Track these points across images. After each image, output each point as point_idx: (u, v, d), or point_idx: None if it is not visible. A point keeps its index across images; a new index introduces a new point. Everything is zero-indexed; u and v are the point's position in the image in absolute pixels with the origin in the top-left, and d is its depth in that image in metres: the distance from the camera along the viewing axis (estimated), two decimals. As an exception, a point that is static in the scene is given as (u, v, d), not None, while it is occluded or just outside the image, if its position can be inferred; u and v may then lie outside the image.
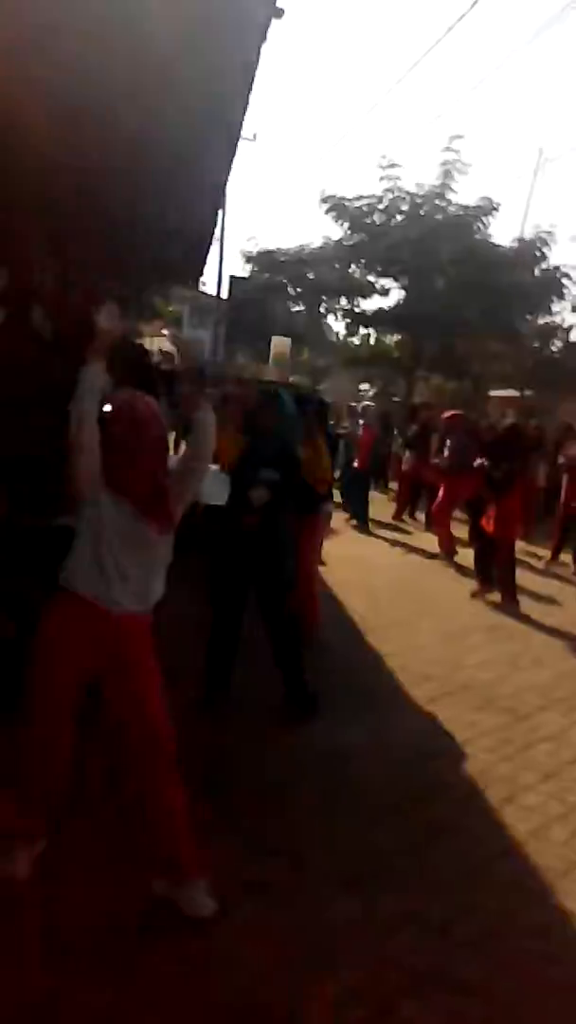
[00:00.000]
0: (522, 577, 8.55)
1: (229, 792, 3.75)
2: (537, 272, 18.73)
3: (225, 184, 7.99)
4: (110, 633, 2.81)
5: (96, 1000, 2.47)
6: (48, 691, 2.82)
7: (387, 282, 19.02)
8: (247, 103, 5.01)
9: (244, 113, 5.31)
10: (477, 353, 19.36)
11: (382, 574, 8.82)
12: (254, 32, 3.80)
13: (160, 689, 2.89)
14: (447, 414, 10.40)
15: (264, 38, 3.87)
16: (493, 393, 21.96)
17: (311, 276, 22.98)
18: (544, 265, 18.81)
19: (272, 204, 69.55)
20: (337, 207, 17.71)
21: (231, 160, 6.74)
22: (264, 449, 4.47)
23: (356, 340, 27.49)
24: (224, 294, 26.14)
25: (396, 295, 19.04)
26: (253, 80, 4.45)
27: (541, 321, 21.15)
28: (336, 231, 18.86)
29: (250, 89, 4.65)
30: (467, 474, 9.22)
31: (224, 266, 25.87)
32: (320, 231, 37.31)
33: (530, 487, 9.00)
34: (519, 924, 3.04)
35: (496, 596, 7.82)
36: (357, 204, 17.65)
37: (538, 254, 18.30)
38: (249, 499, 4.43)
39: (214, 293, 24.71)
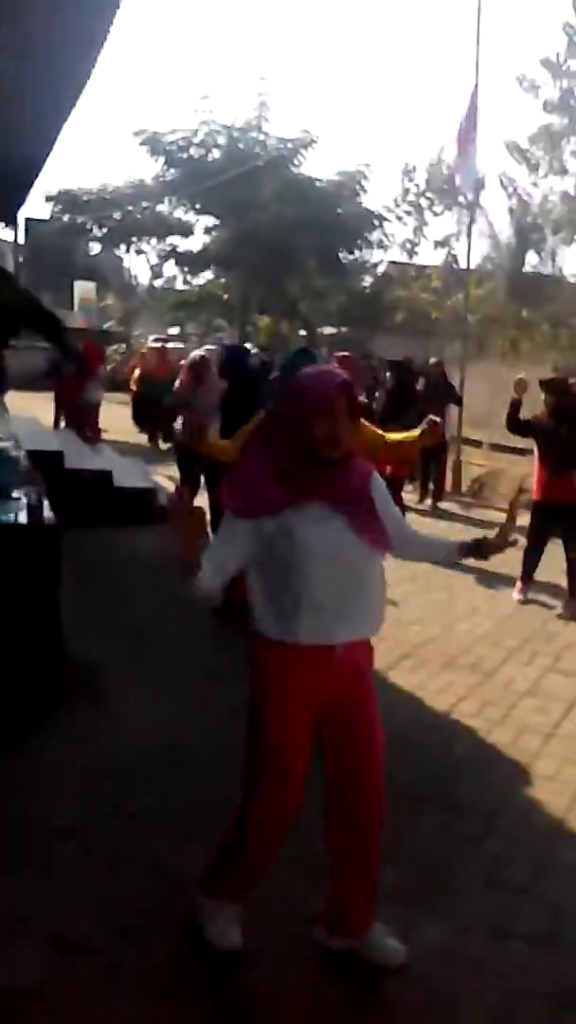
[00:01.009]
0: (412, 521, 8.45)
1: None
2: (352, 207, 18.59)
3: (61, 127, 7.35)
4: (334, 672, 2.31)
5: None
6: (281, 756, 2.33)
7: (208, 219, 18.22)
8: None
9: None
10: (306, 291, 19.06)
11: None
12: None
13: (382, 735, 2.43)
14: (337, 355, 10.22)
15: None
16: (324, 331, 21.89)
17: (117, 216, 21.63)
18: (359, 200, 18.70)
19: (73, 141, 65.37)
20: (151, 141, 16.60)
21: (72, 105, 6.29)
22: None
23: (159, 283, 26.42)
24: (20, 238, 24.19)
25: (216, 233, 18.27)
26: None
27: (353, 257, 21.19)
28: (149, 169, 17.75)
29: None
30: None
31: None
32: (126, 170, 35.30)
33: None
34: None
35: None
36: (172, 138, 16.62)
37: (357, 187, 18.15)
38: None
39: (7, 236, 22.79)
